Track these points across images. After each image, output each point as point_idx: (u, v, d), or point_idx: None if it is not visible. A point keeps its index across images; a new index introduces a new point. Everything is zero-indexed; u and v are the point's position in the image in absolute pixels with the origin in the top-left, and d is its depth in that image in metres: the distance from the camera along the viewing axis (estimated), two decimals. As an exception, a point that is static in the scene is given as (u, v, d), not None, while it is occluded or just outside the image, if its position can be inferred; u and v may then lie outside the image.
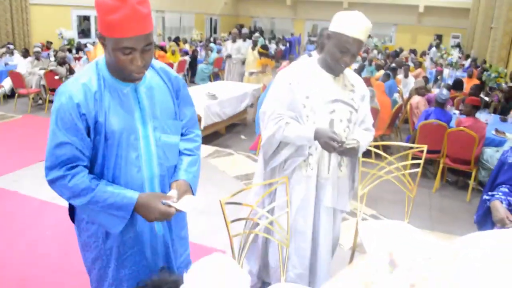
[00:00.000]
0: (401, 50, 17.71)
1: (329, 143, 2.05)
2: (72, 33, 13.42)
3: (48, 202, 4.23)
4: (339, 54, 2.11)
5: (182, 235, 1.95)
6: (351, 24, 2.06)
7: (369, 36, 22.10)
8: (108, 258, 1.74)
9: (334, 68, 2.21)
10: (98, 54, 6.85)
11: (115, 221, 1.61)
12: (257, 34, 10.73)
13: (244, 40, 10.15)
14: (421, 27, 23.02)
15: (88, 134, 1.59)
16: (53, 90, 8.66)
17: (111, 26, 1.46)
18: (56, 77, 8.37)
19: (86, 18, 15.72)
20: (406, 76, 9.60)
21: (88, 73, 1.62)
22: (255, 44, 9.54)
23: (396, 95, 7.67)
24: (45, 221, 3.91)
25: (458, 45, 19.13)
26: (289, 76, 2.27)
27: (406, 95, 8.49)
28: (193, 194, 1.78)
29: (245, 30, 10.57)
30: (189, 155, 1.86)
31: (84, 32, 15.54)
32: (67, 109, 1.54)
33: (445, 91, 5.57)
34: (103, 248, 1.73)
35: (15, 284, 3.00)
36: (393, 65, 10.44)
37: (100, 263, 1.76)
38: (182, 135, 1.86)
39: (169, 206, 1.61)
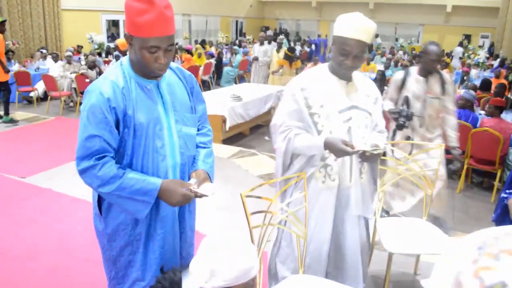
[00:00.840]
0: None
1: (343, 152, 2.02)
2: (101, 37, 13.80)
3: (79, 199, 4.44)
4: (340, 57, 2.10)
5: (193, 228, 2.12)
6: (348, 25, 2.06)
7: (396, 39, 21.90)
8: (137, 243, 1.88)
9: (339, 72, 2.19)
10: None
11: (141, 206, 1.75)
12: (281, 36, 10.80)
13: (269, 43, 10.25)
14: (449, 27, 22.64)
15: (117, 127, 1.74)
16: (83, 93, 8.93)
17: (140, 27, 1.63)
18: (87, 80, 8.66)
19: (115, 23, 16.14)
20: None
21: (114, 71, 1.79)
22: (279, 46, 9.63)
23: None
24: (75, 216, 4.11)
25: (491, 45, 18.72)
26: (298, 85, 2.23)
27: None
28: (211, 181, 1.93)
29: (269, 32, 10.57)
30: (204, 147, 2.04)
31: (113, 36, 15.95)
32: (97, 104, 1.69)
33: (472, 91, 5.54)
34: (133, 234, 1.87)
35: (48, 272, 3.19)
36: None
37: (130, 249, 1.90)
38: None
39: (190, 191, 1.76)
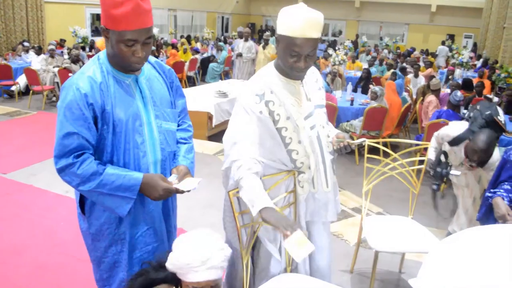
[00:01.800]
0: (413, 50, 17.67)
1: (284, 229, 1.62)
2: (85, 31, 13.59)
3: (62, 195, 4.36)
4: (290, 60, 1.86)
5: (176, 226, 2.11)
6: (294, 22, 1.80)
7: (381, 38, 22.05)
8: (122, 242, 1.84)
9: (291, 75, 1.97)
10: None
11: (122, 202, 1.71)
12: (268, 33, 10.75)
13: (246, 40, 9.92)
14: (433, 27, 22.88)
15: (95, 124, 1.69)
16: (66, 87, 8.81)
17: (116, 20, 1.59)
18: (70, 75, 8.51)
19: (99, 17, 15.91)
20: (416, 75, 9.60)
21: (92, 66, 1.74)
22: (266, 43, 9.58)
23: (405, 94, 7.70)
24: (59, 213, 4.03)
25: (474, 45, 18.98)
26: (259, 99, 1.92)
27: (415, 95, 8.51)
28: (192, 176, 1.91)
29: (246, 29, 10.35)
30: (184, 143, 2.02)
31: (97, 30, 15.72)
32: (74, 100, 1.64)
33: (459, 93, 5.56)
34: (117, 233, 1.83)
35: (32, 270, 3.12)
36: (404, 64, 10.46)
37: (114, 249, 1.86)
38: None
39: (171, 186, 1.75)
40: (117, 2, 1.57)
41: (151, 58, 1.92)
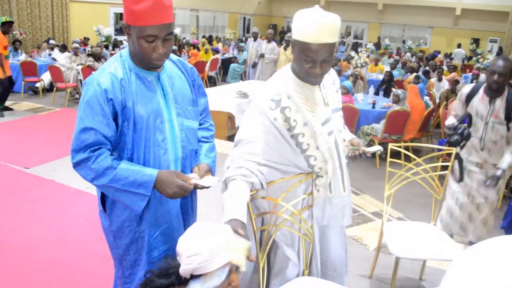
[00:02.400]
0: (438, 53, 17.41)
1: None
2: (109, 30, 13.77)
3: (82, 191, 4.41)
4: (306, 65, 1.81)
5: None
6: (308, 28, 1.75)
7: (403, 41, 21.78)
8: (142, 241, 1.84)
9: (307, 81, 1.91)
10: None
11: (137, 198, 1.70)
12: (289, 34, 10.68)
13: (269, 41, 9.91)
14: (458, 30, 22.49)
15: (115, 120, 1.69)
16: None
17: (137, 15, 1.59)
18: (93, 72, 8.63)
19: (122, 16, 16.12)
20: (439, 79, 9.45)
21: (113, 63, 1.75)
22: (287, 44, 9.52)
23: (426, 98, 7.57)
24: (78, 209, 4.07)
25: (500, 49, 18.60)
26: (275, 105, 1.88)
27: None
28: (213, 175, 1.90)
29: (270, 31, 10.22)
30: (206, 142, 2.01)
31: (121, 29, 15.91)
32: (94, 95, 1.65)
33: None
34: (138, 231, 1.82)
35: (48, 265, 3.16)
36: (426, 68, 10.29)
37: (135, 247, 1.85)
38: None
39: (190, 183, 1.73)
40: None
41: (173, 56, 1.92)
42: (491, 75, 3.13)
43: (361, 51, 10.87)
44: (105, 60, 9.41)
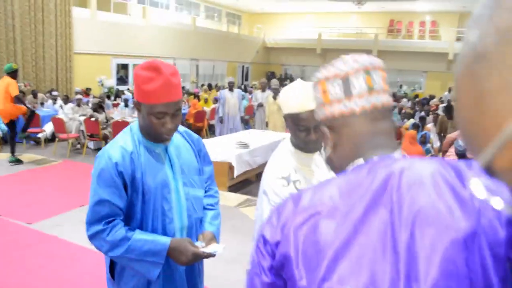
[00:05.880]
0: (432, 97, 17.74)
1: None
2: (111, 81, 14.10)
3: (86, 248, 4.40)
4: (301, 134, 1.89)
5: (202, 286, 2.13)
6: (295, 98, 1.86)
7: (400, 86, 22.23)
8: None
9: (308, 149, 1.96)
10: None
11: (151, 267, 1.76)
12: (275, 80, 10.13)
13: (263, 90, 9.86)
14: (451, 74, 22.93)
15: (125, 191, 1.78)
16: (91, 136, 9.09)
17: (147, 94, 1.70)
18: (93, 119, 8.81)
19: (124, 66, 16.52)
20: (435, 124, 9.61)
21: (124, 137, 1.86)
22: (275, 92, 8.81)
23: (429, 146, 7.67)
24: (83, 266, 4.07)
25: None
26: (287, 184, 1.92)
27: (437, 144, 8.48)
28: (217, 242, 1.95)
29: (263, 80, 10.06)
30: (211, 209, 2.08)
31: (122, 79, 16.29)
32: (106, 168, 1.74)
33: (460, 141, 5.53)
34: None
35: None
36: (422, 113, 10.48)
37: None
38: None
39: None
40: (149, 78, 1.69)
41: (180, 128, 2.02)
42: None
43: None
44: (103, 110, 9.62)
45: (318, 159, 2.05)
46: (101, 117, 9.19)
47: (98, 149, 9.14)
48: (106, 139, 8.94)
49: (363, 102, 0.93)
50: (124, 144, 1.80)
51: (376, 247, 0.77)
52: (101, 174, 1.75)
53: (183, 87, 15.64)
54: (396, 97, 16.92)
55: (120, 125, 8.73)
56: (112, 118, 9.41)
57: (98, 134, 9.00)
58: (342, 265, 0.78)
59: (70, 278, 3.85)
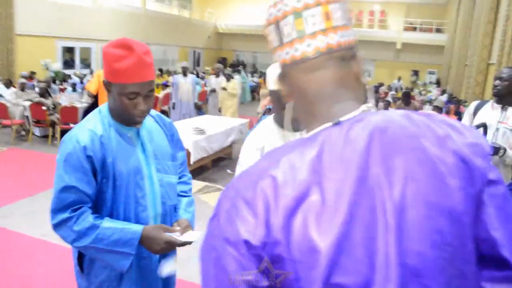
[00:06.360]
0: (381, 85, 18.27)
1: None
2: (58, 65, 13.45)
3: (39, 239, 4.18)
4: (282, 110, 1.87)
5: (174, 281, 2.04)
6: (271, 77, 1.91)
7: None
8: None
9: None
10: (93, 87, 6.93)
11: (120, 257, 1.64)
12: (218, 65, 10.10)
13: (217, 76, 9.83)
14: (399, 63, 23.79)
15: (94, 178, 1.66)
16: (37, 122, 8.64)
17: (118, 73, 1.59)
18: (44, 108, 8.39)
19: (70, 50, 15.79)
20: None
21: (93, 120, 1.73)
22: (228, 79, 8.93)
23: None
24: (37, 259, 3.86)
25: (438, 81, 19.80)
26: (257, 148, 1.98)
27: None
28: (192, 229, 1.88)
29: (217, 65, 9.90)
30: (185, 196, 2.00)
31: (68, 63, 15.58)
32: (74, 152, 1.62)
33: None
34: None
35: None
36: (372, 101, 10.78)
37: None
38: None
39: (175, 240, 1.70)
40: (120, 56, 1.58)
41: (152, 111, 1.91)
42: (494, 81, 3.21)
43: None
44: (50, 95, 9.17)
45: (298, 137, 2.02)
46: (48, 102, 8.75)
47: (45, 136, 8.73)
48: (53, 125, 8.54)
49: (317, 43, 0.80)
50: (93, 127, 1.68)
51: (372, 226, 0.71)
52: (68, 158, 1.62)
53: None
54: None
55: (69, 111, 8.37)
56: (59, 104, 8.96)
57: (44, 120, 8.57)
58: (343, 258, 0.70)
59: (22, 273, 3.64)
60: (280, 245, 0.71)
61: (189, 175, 2.07)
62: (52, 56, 14.19)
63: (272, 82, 1.91)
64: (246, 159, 1.96)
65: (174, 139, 1.96)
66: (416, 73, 23.44)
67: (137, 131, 1.79)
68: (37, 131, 8.94)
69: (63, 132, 8.52)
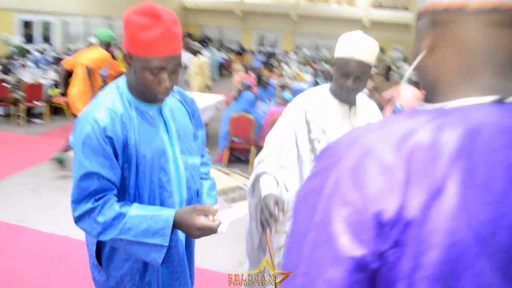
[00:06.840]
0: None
1: (264, 218, 1.75)
2: (17, 38, 12.68)
3: (17, 226, 3.90)
4: (341, 79, 1.95)
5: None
6: (347, 45, 1.92)
7: (316, 49, 22.71)
8: None
9: (341, 95, 2.03)
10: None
11: (151, 250, 1.43)
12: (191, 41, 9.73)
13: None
14: (366, 40, 23.89)
15: (116, 160, 1.47)
16: (2, 100, 8.11)
17: (142, 45, 1.39)
18: (5, 85, 7.88)
19: (28, 24, 14.91)
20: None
21: (110, 96, 1.51)
22: (194, 54, 8.71)
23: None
24: (16, 247, 3.60)
25: (404, 58, 20.06)
26: (301, 108, 2.07)
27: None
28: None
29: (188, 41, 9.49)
30: (206, 179, 1.83)
31: (28, 37, 14.74)
32: (93, 134, 1.41)
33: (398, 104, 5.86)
34: (141, 284, 1.60)
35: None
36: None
37: None
38: None
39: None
40: (145, 25, 1.37)
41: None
42: None
43: (288, 62, 11.02)
44: (13, 72, 8.62)
45: (345, 111, 2.06)
46: (10, 79, 8.21)
47: (8, 115, 8.21)
48: (16, 103, 8.03)
49: None
50: (112, 105, 1.47)
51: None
52: (86, 141, 1.41)
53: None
54: (316, 61, 17.26)
55: (35, 88, 7.93)
56: (22, 80, 8.42)
57: (7, 98, 8.05)
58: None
59: (5, 259, 3.39)
60: (413, 227, 0.58)
61: (208, 155, 1.91)
62: (9, 30, 13.35)
63: (338, 48, 1.96)
64: (290, 114, 2.06)
65: (195, 116, 1.78)
66: (382, 49, 23.63)
67: (159, 109, 1.59)
68: (-1, 110, 8.43)
69: (28, 111, 8.08)
